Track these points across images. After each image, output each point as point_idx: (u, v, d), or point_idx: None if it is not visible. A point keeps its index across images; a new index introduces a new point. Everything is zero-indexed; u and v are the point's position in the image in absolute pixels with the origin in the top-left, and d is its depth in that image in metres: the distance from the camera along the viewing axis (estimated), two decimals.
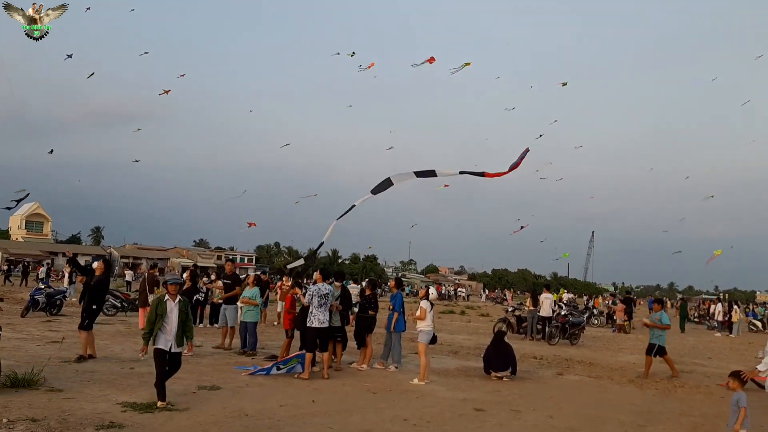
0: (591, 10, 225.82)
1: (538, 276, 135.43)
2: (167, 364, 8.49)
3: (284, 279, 24.13)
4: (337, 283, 12.63)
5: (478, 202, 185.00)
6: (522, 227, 41.16)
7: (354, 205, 12.83)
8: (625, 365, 16.07)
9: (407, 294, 51.10)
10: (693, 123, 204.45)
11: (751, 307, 46.06)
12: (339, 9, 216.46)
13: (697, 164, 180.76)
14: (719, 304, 32.91)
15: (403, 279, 20.32)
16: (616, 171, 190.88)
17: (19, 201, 16.15)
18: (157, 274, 20.81)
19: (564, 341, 20.78)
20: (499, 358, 12.69)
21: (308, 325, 11.15)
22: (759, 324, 35.72)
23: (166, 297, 8.74)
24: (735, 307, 31.86)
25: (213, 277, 23.36)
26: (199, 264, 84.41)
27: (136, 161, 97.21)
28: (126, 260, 73.31)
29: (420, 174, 12.31)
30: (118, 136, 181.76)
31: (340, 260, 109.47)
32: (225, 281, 15.52)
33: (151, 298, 17.77)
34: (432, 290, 12.41)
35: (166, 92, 34.48)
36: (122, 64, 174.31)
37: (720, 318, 31.27)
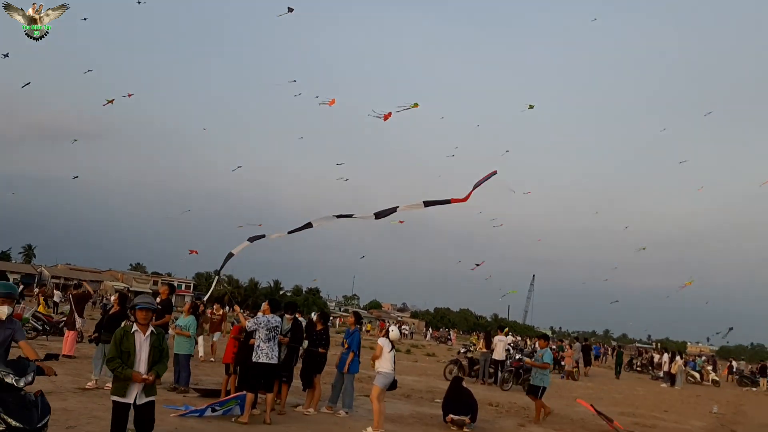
0: (538, 64, 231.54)
1: (479, 316, 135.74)
2: (127, 422, 6.34)
3: (215, 307, 22.66)
4: (288, 316, 11.30)
5: (422, 238, 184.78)
6: (477, 264, 40.79)
7: (290, 231, 11.59)
8: (585, 416, 15.16)
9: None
10: (635, 174, 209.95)
11: (690, 358, 46.22)
12: (297, 44, 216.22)
13: (636, 215, 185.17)
14: (665, 354, 32.57)
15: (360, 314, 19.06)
16: (561, 216, 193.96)
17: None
18: (88, 291, 19.24)
19: (517, 386, 19.84)
20: (459, 403, 11.71)
21: (253, 360, 9.81)
22: (697, 375, 35.66)
23: (134, 328, 6.51)
24: (677, 357, 31.67)
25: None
26: (133, 288, 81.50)
27: (75, 177, 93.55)
28: (57, 281, 69.96)
29: (380, 214, 11.09)
30: (58, 153, 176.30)
31: (282, 291, 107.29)
32: (157, 306, 14.02)
33: (78, 321, 16.26)
34: (393, 327, 11.05)
35: (110, 102, 32.70)
36: (67, 80, 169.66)
37: (666, 368, 30.90)
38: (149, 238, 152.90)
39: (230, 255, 11.39)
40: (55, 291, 43.31)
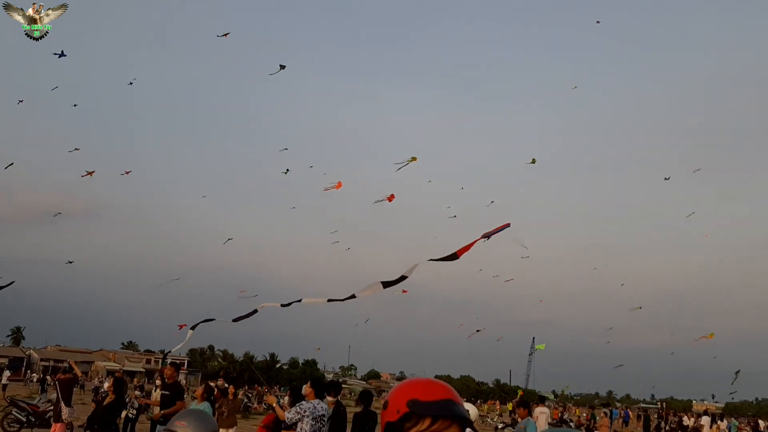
0: (524, 130, 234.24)
1: (480, 383, 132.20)
2: None
3: (219, 382, 20.17)
4: (330, 399, 9.22)
5: (417, 304, 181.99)
6: (477, 330, 39.22)
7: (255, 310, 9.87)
8: None
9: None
10: (632, 233, 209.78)
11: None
12: (284, 114, 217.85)
13: (632, 273, 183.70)
14: (703, 417, 30.36)
15: (343, 385, 16.71)
16: (559, 278, 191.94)
17: (1, 287, 13.25)
18: (77, 377, 17.15)
19: None
20: None
21: None
22: None
23: None
24: (718, 420, 29.51)
25: (158, 383, 18.78)
26: (126, 369, 78.40)
27: (70, 262, 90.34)
28: (46, 363, 67.09)
29: (388, 284, 9.34)
30: (45, 232, 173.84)
31: (278, 365, 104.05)
32: (163, 392, 11.88)
33: (66, 412, 14.07)
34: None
35: (90, 174, 31.32)
36: (54, 159, 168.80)
37: None
38: (140, 315, 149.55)
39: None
40: (47, 377, 40.92)
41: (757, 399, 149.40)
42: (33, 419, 17.41)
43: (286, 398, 8.79)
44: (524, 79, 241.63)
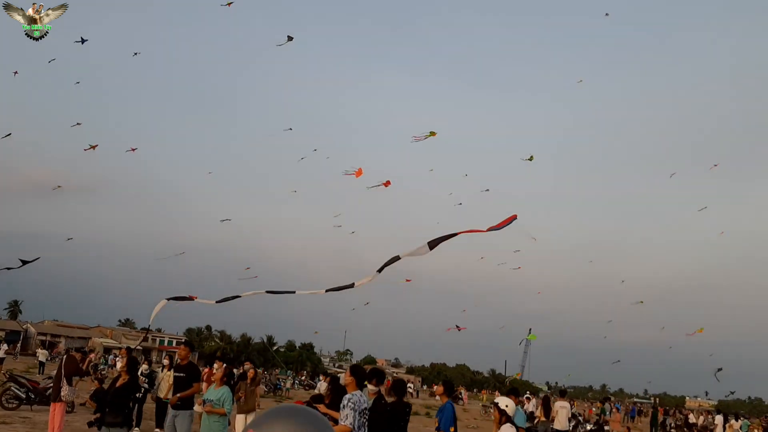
0: (531, 125, 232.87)
1: (476, 372, 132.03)
2: None
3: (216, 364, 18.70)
4: (372, 388, 8.20)
5: (415, 291, 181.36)
6: (459, 328, 38.81)
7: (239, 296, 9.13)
8: None
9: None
10: (634, 228, 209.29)
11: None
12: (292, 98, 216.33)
13: (632, 268, 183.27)
14: (717, 416, 29.62)
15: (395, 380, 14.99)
16: (557, 270, 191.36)
17: (26, 262, 12.82)
18: (80, 359, 16.24)
19: None
20: None
21: None
22: None
23: None
24: (732, 420, 28.77)
25: (165, 362, 17.59)
26: (123, 346, 77.76)
27: (70, 239, 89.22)
28: (43, 338, 66.40)
29: (381, 268, 8.53)
30: (45, 207, 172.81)
31: (275, 347, 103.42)
32: (177, 374, 10.80)
33: (66, 390, 13.12)
34: (508, 403, 8.02)
35: (93, 147, 30.28)
36: (56, 134, 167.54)
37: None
38: (138, 292, 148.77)
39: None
40: (40, 350, 40.00)
41: (750, 398, 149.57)
42: (33, 396, 16.61)
43: (323, 383, 7.89)
44: (528, 71, 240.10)
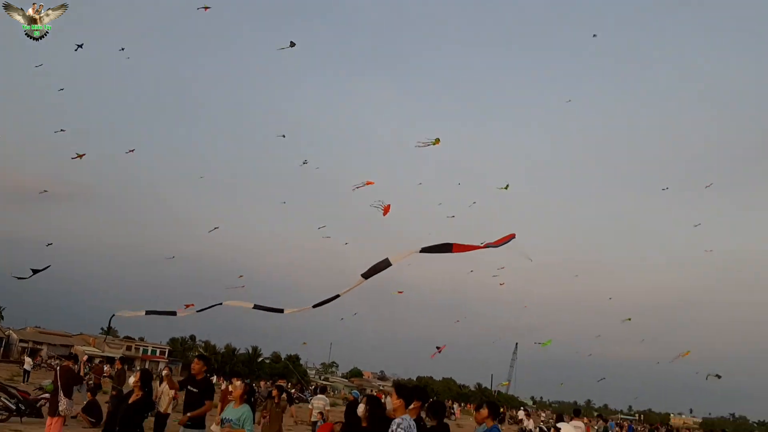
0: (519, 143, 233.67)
1: (462, 386, 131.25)
2: None
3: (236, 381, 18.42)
4: (412, 409, 6.90)
5: (404, 304, 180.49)
6: (439, 349, 38.46)
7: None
8: None
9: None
10: (617, 247, 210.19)
11: None
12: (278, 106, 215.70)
13: (618, 286, 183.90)
14: None
15: (325, 386, 14.26)
16: (543, 287, 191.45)
17: (36, 271, 12.61)
18: (80, 377, 15.62)
19: None
20: None
21: None
22: None
23: None
24: None
25: (165, 372, 16.94)
26: (105, 354, 76.61)
27: (49, 244, 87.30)
28: (25, 344, 65.31)
29: (368, 273, 8.03)
30: (28, 213, 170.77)
31: (260, 359, 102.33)
32: (191, 388, 9.87)
33: (64, 404, 12.64)
34: (566, 427, 7.41)
35: (80, 156, 29.77)
36: (39, 140, 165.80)
37: None
38: (121, 300, 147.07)
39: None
40: (26, 357, 39.23)
41: (733, 416, 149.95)
42: (23, 407, 15.93)
43: (362, 406, 7.00)
44: (517, 89, 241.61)
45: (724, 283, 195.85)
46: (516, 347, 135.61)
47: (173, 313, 9.32)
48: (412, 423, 6.19)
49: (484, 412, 8.04)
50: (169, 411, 14.97)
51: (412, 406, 6.72)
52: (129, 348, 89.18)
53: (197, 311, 9.15)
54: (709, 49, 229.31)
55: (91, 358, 63.86)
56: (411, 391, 6.81)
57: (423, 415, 7.72)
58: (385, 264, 8.00)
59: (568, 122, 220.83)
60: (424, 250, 7.91)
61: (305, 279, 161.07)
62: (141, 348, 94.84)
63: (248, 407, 8.75)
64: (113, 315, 9.62)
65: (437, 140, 22.95)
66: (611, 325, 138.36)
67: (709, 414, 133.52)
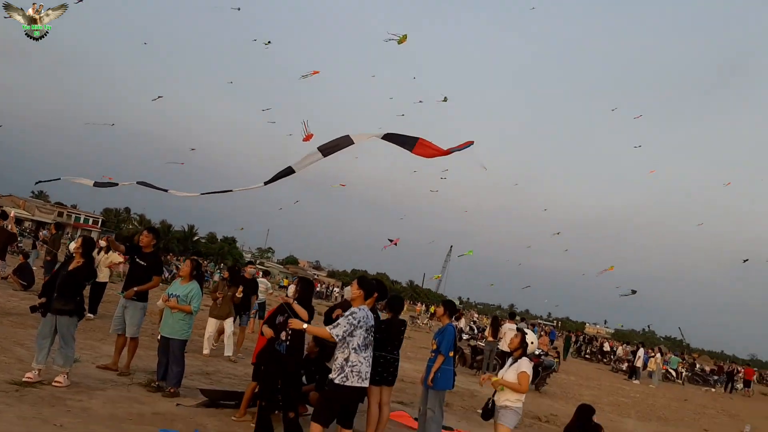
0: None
1: (394, 282, 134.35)
2: None
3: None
4: (370, 301, 6.88)
5: (342, 197, 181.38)
6: (392, 242, 38.57)
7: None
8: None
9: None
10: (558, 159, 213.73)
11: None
12: None
13: (554, 199, 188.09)
14: (640, 349, 30.34)
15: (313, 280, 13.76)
16: (485, 194, 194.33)
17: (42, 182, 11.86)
18: (14, 235, 14.51)
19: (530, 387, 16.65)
20: None
21: (337, 381, 5.88)
22: (674, 373, 33.33)
23: None
24: (658, 354, 29.52)
25: (102, 243, 15.94)
26: (36, 218, 74.41)
27: None
28: None
29: (327, 149, 7.33)
30: None
31: (196, 238, 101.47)
32: (138, 261, 9.03)
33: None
34: (531, 335, 7.53)
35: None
36: None
37: (639, 364, 28.80)
38: (57, 166, 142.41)
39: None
40: None
41: (644, 329, 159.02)
42: None
43: (292, 287, 6.98)
44: None
45: (661, 206, 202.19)
46: (450, 249, 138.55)
47: (115, 185, 9.10)
48: (370, 313, 6.30)
49: (440, 310, 8.07)
50: (106, 280, 14.21)
51: (371, 299, 6.84)
52: (60, 214, 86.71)
53: (137, 183, 8.66)
54: None
55: (19, 221, 61.91)
56: (371, 284, 6.82)
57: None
58: (345, 141, 7.34)
59: (528, 30, 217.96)
60: (388, 136, 7.15)
61: (248, 160, 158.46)
62: (73, 215, 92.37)
63: (196, 284, 8.52)
64: (59, 178, 9.37)
65: (404, 37, 22.11)
66: (542, 236, 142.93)
67: (621, 326, 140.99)
